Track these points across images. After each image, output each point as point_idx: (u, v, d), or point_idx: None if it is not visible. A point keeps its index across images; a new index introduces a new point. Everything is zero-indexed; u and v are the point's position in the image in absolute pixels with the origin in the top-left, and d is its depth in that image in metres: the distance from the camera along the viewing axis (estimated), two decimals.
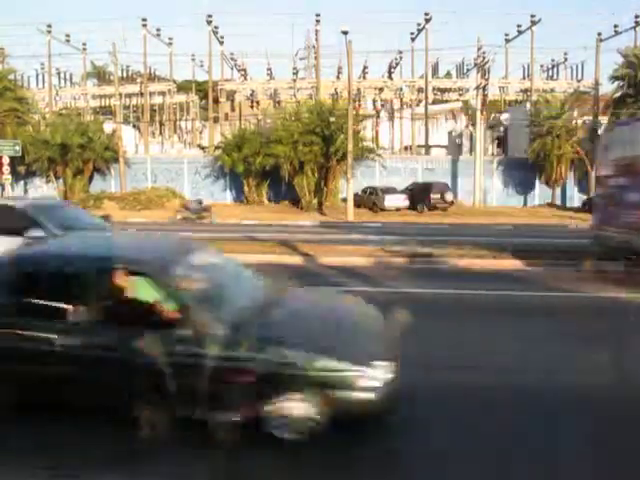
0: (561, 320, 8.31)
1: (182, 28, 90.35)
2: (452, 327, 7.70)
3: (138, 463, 4.27)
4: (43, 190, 37.79)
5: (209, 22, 42.62)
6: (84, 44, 48.39)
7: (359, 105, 46.09)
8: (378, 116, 49.91)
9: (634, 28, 38.75)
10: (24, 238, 8.02)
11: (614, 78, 34.54)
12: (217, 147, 37.51)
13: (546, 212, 33.11)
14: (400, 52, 48.56)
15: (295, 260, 13.58)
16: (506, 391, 5.48)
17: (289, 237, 17.91)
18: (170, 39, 47.94)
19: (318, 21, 41.58)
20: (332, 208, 32.32)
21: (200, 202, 29.43)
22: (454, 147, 46.21)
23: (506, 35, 45.45)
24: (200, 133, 52.67)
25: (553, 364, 6.26)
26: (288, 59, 61.07)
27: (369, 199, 32.60)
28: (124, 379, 4.49)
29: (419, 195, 32.54)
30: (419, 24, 43.93)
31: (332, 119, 31.84)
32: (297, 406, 4.31)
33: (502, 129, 44.19)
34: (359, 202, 31.37)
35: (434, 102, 50.11)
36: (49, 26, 42.96)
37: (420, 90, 46.44)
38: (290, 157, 32.16)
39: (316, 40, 43.43)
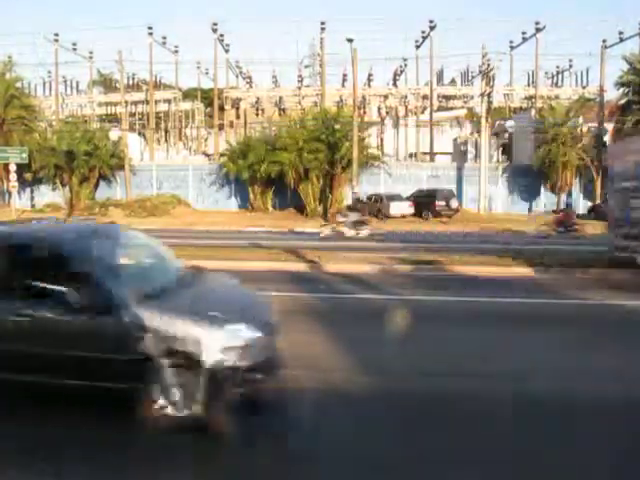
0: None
1: (188, 36, 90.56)
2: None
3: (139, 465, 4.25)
4: (49, 197, 37.97)
5: (214, 30, 42.81)
6: (91, 52, 48.75)
7: (364, 112, 46.17)
8: (383, 123, 49.96)
9: (639, 35, 38.72)
10: None
11: (619, 85, 34.55)
12: (222, 154, 37.62)
13: (551, 219, 32.97)
14: (405, 60, 48.71)
15: (300, 267, 13.59)
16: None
17: (295, 244, 17.92)
18: (176, 47, 48.23)
19: (323, 29, 41.73)
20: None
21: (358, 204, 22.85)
22: (459, 154, 46.15)
23: (511, 42, 45.51)
24: (205, 140, 52.82)
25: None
26: (293, 67, 61.27)
27: (374, 206, 32.57)
28: None
29: (424, 202, 32.50)
30: (424, 32, 44.03)
31: (337, 126, 31.94)
32: None
33: (507, 136, 44.15)
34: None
35: (439, 109, 50.13)
36: (56, 35, 43.28)
37: (425, 97, 46.46)
38: (295, 164, 32.22)
39: (321, 48, 43.56)
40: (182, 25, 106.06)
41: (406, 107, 49.05)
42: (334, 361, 6.49)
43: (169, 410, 4.66)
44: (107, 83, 55.26)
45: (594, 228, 23.18)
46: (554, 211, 25.83)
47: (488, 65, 37.11)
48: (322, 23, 41.53)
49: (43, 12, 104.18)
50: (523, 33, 43.21)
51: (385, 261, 14.00)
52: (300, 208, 34.31)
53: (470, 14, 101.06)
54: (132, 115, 49.95)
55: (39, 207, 37.05)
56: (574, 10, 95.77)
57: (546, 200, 36.90)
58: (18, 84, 38.72)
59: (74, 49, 46.26)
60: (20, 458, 4.33)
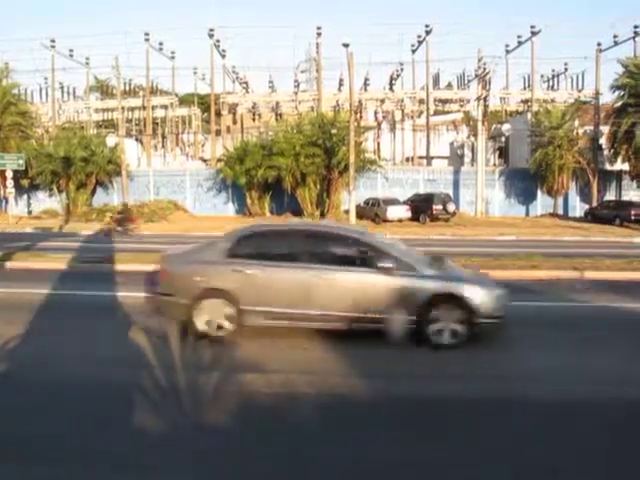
0: None
1: (184, 42, 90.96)
2: None
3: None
4: (46, 204, 37.94)
5: (211, 36, 42.88)
6: (87, 58, 48.68)
7: (361, 117, 46.22)
8: (379, 127, 50.08)
9: (633, 38, 38.89)
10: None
11: (615, 88, 34.63)
12: (219, 160, 37.64)
13: (548, 222, 33.13)
14: (401, 64, 48.78)
15: None
16: None
17: None
18: (172, 53, 48.28)
19: (319, 34, 41.80)
20: (334, 219, 32.34)
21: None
22: (455, 158, 46.30)
23: (506, 46, 45.67)
24: (202, 146, 52.87)
25: None
26: (290, 72, 61.38)
27: (371, 210, 32.64)
28: None
29: (421, 206, 32.57)
30: (420, 36, 44.16)
31: (334, 131, 31.95)
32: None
33: (503, 139, 44.28)
34: (361, 213, 31.41)
35: (435, 113, 50.24)
36: (52, 41, 43.25)
37: (421, 101, 46.58)
38: (292, 169, 32.25)
39: (317, 53, 43.67)
40: (179, 31, 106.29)
41: (403, 111, 49.18)
42: None
43: None
44: (104, 89, 55.25)
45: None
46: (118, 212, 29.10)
47: (484, 69, 37.28)
48: (318, 28, 41.62)
49: (40, 19, 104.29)
50: (519, 37, 43.38)
51: None
52: (297, 213, 34.33)
53: (466, 18, 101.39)
54: (129, 121, 49.99)
55: (36, 213, 37.01)
56: (569, 14, 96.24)
57: (543, 203, 37.00)
58: (15, 90, 38.68)
59: (71, 55, 46.28)
60: None
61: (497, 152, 46.17)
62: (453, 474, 4.22)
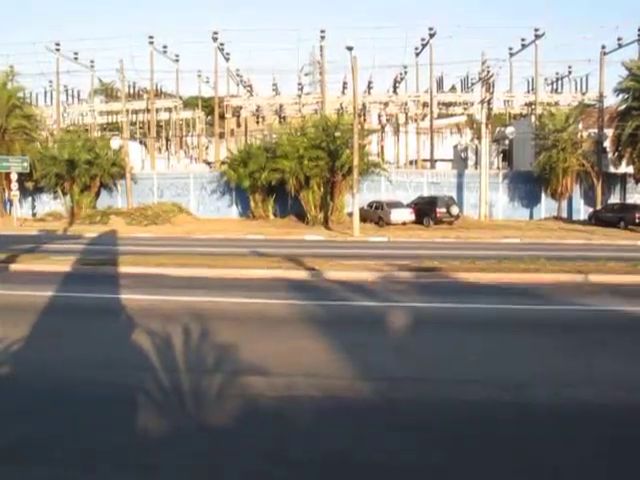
0: None
1: (188, 45, 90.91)
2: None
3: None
4: (50, 206, 38.06)
5: (215, 39, 43.02)
6: (92, 61, 49.00)
7: (364, 120, 46.28)
8: (383, 131, 50.11)
9: (638, 41, 38.89)
10: None
11: (619, 91, 34.61)
12: (223, 162, 37.73)
13: (552, 225, 33.07)
14: (405, 67, 48.90)
15: (301, 275, 13.59)
16: None
17: (295, 252, 17.93)
18: (176, 56, 48.42)
19: (323, 37, 41.90)
20: (338, 223, 32.38)
21: None
22: (459, 161, 46.26)
23: (510, 49, 45.65)
24: (206, 149, 53.01)
25: None
26: (294, 75, 61.54)
27: (375, 213, 32.64)
28: None
29: (425, 209, 32.56)
30: (423, 39, 44.21)
31: (337, 134, 31.98)
32: None
33: (507, 142, 44.24)
34: (365, 216, 31.41)
35: (439, 116, 50.28)
36: (57, 44, 43.49)
37: (425, 104, 46.61)
38: (296, 172, 32.27)
39: (321, 56, 43.80)
40: (183, 34, 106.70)
41: (406, 114, 49.21)
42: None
43: None
44: (108, 92, 55.50)
45: None
46: None
47: (488, 72, 37.20)
48: (322, 31, 41.72)
49: (44, 22, 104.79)
50: (522, 40, 43.36)
51: None
52: (301, 216, 34.36)
53: (469, 21, 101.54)
54: (133, 124, 50.15)
55: (40, 216, 37.14)
56: (573, 17, 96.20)
57: (547, 206, 36.94)
58: (20, 94, 38.85)
59: (75, 58, 46.52)
60: None
61: (501, 155, 46.15)
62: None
